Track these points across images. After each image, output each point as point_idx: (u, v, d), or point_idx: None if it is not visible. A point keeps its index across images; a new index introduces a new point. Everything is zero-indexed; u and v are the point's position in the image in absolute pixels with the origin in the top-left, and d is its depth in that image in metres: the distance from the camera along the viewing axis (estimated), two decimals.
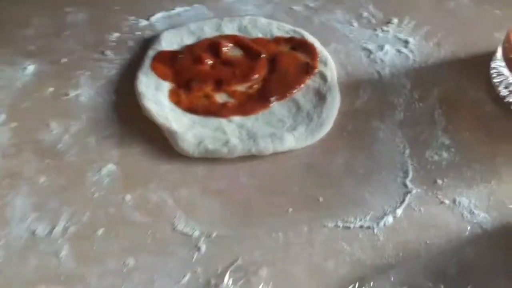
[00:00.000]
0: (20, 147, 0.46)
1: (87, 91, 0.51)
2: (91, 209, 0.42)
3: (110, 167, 0.45)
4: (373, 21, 0.58)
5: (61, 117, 0.49)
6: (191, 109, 0.49)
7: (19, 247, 0.40)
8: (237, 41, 0.55)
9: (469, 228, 0.40)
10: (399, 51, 0.55)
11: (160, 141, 0.47)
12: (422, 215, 0.41)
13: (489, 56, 0.53)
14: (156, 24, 0.58)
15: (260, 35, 0.56)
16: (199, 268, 0.39)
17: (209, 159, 0.45)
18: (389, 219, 0.41)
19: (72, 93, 0.51)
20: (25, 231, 0.41)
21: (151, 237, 0.40)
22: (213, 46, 0.54)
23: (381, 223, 0.41)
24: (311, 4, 0.61)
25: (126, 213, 0.42)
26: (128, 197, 0.43)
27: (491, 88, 0.50)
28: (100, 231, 0.41)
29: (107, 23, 0.58)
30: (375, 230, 0.41)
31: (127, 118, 0.49)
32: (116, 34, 0.57)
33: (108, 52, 0.55)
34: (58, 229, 0.41)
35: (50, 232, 0.41)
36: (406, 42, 0.56)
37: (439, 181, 0.44)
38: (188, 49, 0.54)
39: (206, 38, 0.55)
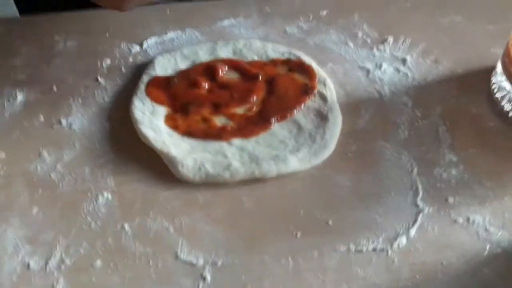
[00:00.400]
0: (10, 178, 0.44)
1: (79, 119, 0.49)
2: (88, 240, 0.40)
3: (107, 196, 0.43)
4: (368, 40, 0.58)
5: (53, 146, 0.47)
6: (189, 133, 0.47)
7: (12, 282, 0.37)
8: (233, 64, 0.54)
9: (487, 247, 0.39)
10: (397, 69, 0.54)
11: (157, 168, 0.45)
12: (436, 235, 0.40)
13: (487, 71, 0.53)
14: (148, 50, 0.57)
15: (255, 58, 0.55)
16: None
17: (211, 184, 0.44)
18: (403, 240, 0.39)
19: (64, 122, 0.49)
20: (18, 265, 0.38)
21: (153, 267, 0.38)
22: (209, 69, 0.53)
23: (395, 245, 0.39)
24: (305, 26, 0.61)
25: (125, 243, 0.39)
26: (127, 226, 0.41)
27: (493, 103, 0.50)
28: (98, 263, 0.38)
29: (98, 50, 0.57)
30: (389, 253, 0.39)
31: (122, 145, 0.47)
32: (108, 61, 0.56)
33: (100, 79, 0.53)
34: (53, 262, 0.38)
35: (45, 265, 0.38)
36: (403, 60, 0.55)
37: (451, 199, 0.42)
38: (184, 73, 0.53)
39: (202, 62, 0.54)
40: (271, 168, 0.44)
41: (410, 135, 0.47)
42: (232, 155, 0.45)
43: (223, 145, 0.46)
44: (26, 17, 0.62)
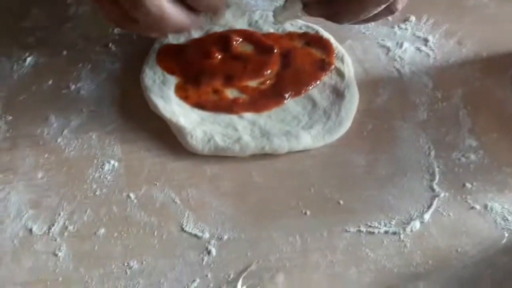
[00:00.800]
0: (16, 141, 0.43)
1: (88, 85, 0.48)
2: (92, 208, 0.39)
3: (113, 163, 0.42)
4: (390, 18, 0.56)
5: (61, 111, 0.46)
6: (199, 105, 0.46)
7: (14, 246, 0.37)
8: (247, 36, 0.52)
9: (505, 235, 0.37)
10: (418, 49, 0.52)
11: (166, 138, 0.44)
12: (451, 220, 0.38)
13: None
14: None
15: (271, 30, 0.53)
16: (210, 273, 0.36)
17: (220, 157, 0.43)
18: (416, 224, 0.38)
19: (73, 87, 0.48)
20: (21, 229, 0.37)
21: (157, 238, 0.37)
22: (222, 40, 0.51)
23: (408, 229, 0.38)
24: None
25: (130, 213, 0.39)
26: (132, 195, 0.40)
27: None
28: (102, 231, 0.38)
29: None
30: (401, 236, 0.38)
31: (131, 113, 0.46)
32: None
33: (111, 45, 0.52)
34: (56, 228, 0.38)
35: (48, 231, 0.37)
36: (425, 40, 0.53)
37: (468, 185, 0.41)
38: (196, 42, 0.51)
39: (215, 32, 0.53)
40: (282, 144, 0.42)
41: (429, 116, 0.46)
42: (243, 129, 0.44)
43: (234, 118, 0.45)
44: None
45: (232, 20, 0.45)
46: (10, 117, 0.45)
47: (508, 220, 0.39)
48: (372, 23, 0.55)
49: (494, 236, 0.38)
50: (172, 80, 0.48)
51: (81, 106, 0.46)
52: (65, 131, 0.44)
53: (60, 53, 0.51)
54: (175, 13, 0.38)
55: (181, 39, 0.52)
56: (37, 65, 0.50)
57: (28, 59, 0.50)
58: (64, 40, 0.52)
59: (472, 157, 0.43)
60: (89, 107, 0.46)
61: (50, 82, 0.48)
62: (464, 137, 0.44)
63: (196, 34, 0.52)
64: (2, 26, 0.54)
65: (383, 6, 0.41)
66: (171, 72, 0.48)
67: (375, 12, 0.41)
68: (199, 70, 0.48)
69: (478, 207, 0.39)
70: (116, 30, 0.54)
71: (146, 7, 0.37)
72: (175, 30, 0.40)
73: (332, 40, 0.52)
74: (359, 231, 0.38)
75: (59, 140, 0.43)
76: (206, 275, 0.36)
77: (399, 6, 0.42)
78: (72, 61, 0.50)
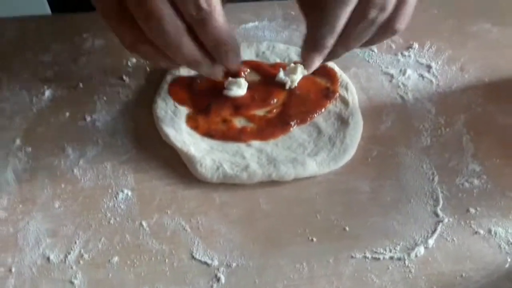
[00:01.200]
0: (35, 172, 0.45)
1: (103, 116, 0.50)
2: (106, 236, 0.40)
3: (126, 192, 0.43)
4: (393, 46, 0.58)
5: (77, 142, 0.48)
6: (209, 134, 0.47)
7: (32, 274, 0.38)
8: (255, 66, 0.54)
9: (508, 260, 0.38)
10: (421, 75, 0.54)
11: (177, 167, 0.45)
12: (455, 245, 0.39)
13: None
14: None
15: (278, 60, 0.55)
16: None
17: (228, 184, 0.44)
18: (421, 249, 0.39)
19: (89, 118, 0.50)
20: (39, 257, 0.39)
21: (168, 265, 0.39)
22: (231, 71, 0.53)
23: (412, 254, 0.39)
24: None
25: (142, 241, 0.40)
26: (145, 223, 0.41)
27: None
28: (115, 259, 0.39)
29: (124, 49, 0.58)
30: (406, 262, 0.38)
31: (144, 143, 0.48)
32: (133, 60, 0.57)
33: (125, 78, 0.54)
34: (73, 256, 0.39)
35: (64, 259, 0.39)
36: (428, 67, 0.54)
37: (472, 210, 0.41)
38: None
39: None
40: (289, 171, 0.44)
41: (433, 142, 0.47)
42: (251, 157, 0.45)
43: (242, 146, 0.46)
44: (57, 15, 0.64)
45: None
46: (30, 148, 0.47)
47: None
48: (376, 50, 0.57)
49: (498, 261, 0.38)
50: (183, 111, 0.49)
51: (97, 137, 0.48)
52: (81, 162, 0.46)
53: (77, 86, 0.53)
54: (191, 44, 0.39)
55: (192, 72, 0.54)
56: (55, 98, 0.52)
57: (47, 92, 0.53)
58: (80, 73, 0.55)
59: (476, 182, 0.43)
60: (104, 138, 0.48)
61: (67, 114, 0.50)
62: (467, 163, 0.45)
63: None
64: (22, 61, 0.57)
65: (369, 30, 0.40)
66: (182, 103, 0.50)
67: (370, 35, 0.41)
68: (209, 101, 0.50)
69: (482, 232, 0.40)
70: (129, 63, 0.56)
71: (164, 29, 0.37)
72: (186, 61, 0.41)
73: (336, 68, 0.53)
74: (365, 257, 0.39)
75: (75, 170, 0.45)
76: None
77: (401, 25, 0.41)
78: (88, 94, 0.53)
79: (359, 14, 0.39)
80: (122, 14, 0.39)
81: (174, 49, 0.39)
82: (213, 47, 0.39)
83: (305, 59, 0.43)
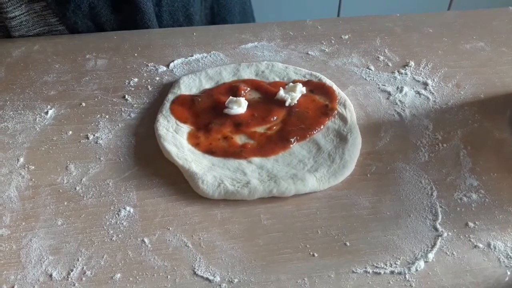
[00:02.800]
0: (38, 189, 0.46)
1: (106, 134, 0.51)
2: (109, 253, 0.40)
3: (129, 209, 0.44)
4: (390, 64, 0.59)
5: (80, 159, 0.48)
6: (210, 151, 0.48)
7: None
8: (255, 85, 0.55)
9: (508, 274, 0.38)
10: (418, 93, 0.55)
11: (179, 183, 0.46)
12: (455, 259, 0.39)
13: (510, 97, 0.53)
14: (174, 70, 0.59)
15: (277, 79, 0.56)
16: None
17: (229, 201, 0.44)
18: (421, 264, 0.39)
19: (91, 136, 0.51)
20: (41, 275, 0.39)
21: (170, 282, 0.39)
22: (231, 89, 0.54)
23: (413, 268, 0.39)
24: (327, 49, 0.62)
25: (144, 257, 0.40)
26: (147, 240, 0.41)
27: None
28: (118, 276, 0.39)
29: (127, 69, 0.59)
30: (407, 276, 0.38)
31: (146, 161, 0.48)
32: (135, 80, 0.58)
33: (128, 97, 0.55)
34: (75, 273, 0.39)
35: (67, 276, 0.39)
36: (425, 84, 0.56)
37: (471, 224, 0.42)
38: (207, 92, 0.54)
39: (225, 82, 0.56)
40: (289, 187, 0.44)
41: (430, 158, 0.47)
42: (251, 173, 0.46)
43: (242, 162, 0.47)
44: (59, 36, 0.65)
45: None
46: (33, 167, 0.48)
47: (511, 258, 0.39)
48: (373, 69, 0.58)
49: (498, 275, 0.38)
50: (185, 129, 0.50)
51: (99, 155, 0.49)
52: (84, 179, 0.46)
53: (80, 105, 0.54)
54: None
55: (193, 90, 0.55)
56: (58, 117, 0.53)
57: (50, 112, 0.54)
58: (83, 93, 0.56)
59: (474, 196, 0.44)
60: (107, 155, 0.49)
61: (70, 132, 0.51)
62: (465, 177, 0.45)
63: (207, 84, 0.56)
64: (27, 81, 0.58)
65: None
66: (184, 121, 0.51)
67: None
68: (210, 119, 0.51)
69: (481, 245, 0.40)
70: (132, 83, 0.57)
71: None
72: None
73: (335, 86, 0.54)
74: (366, 271, 0.39)
75: (77, 188, 0.46)
76: None
77: None
78: (90, 112, 0.54)
79: None
80: None
81: None
82: None
83: None
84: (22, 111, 0.54)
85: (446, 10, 0.71)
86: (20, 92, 0.56)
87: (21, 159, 0.48)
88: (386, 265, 0.39)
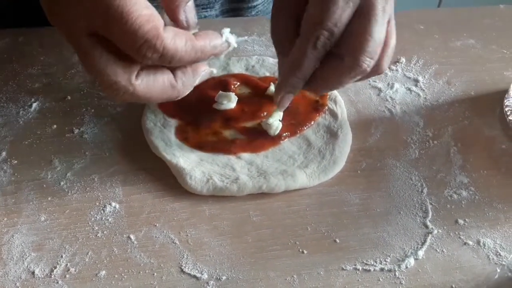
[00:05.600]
0: (21, 185, 0.44)
1: (91, 129, 0.50)
2: (94, 249, 0.40)
3: (114, 205, 0.43)
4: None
5: (64, 154, 0.47)
6: (199, 146, 0.47)
7: None
8: (245, 79, 0.54)
9: (497, 271, 0.38)
10: (409, 89, 0.54)
11: (166, 179, 0.45)
12: (445, 257, 0.39)
13: (500, 94, 0.53)
14: None
15: (267, 74, 0.56)
16: None
17: (218, 197, 0.44)
18: (411, 261, 0.39)
19: (76, 131, 0.50)
20: (23, 272, 0.38)
21: (157, 279, 0.38)
22: (221, 84, 0.53)
23: (403, 266, 0.38)
24: None
25: (130, 254, 0.39)
26: (133, 237, 0.41)
27: (506, 126, 0.49)
28: (103, 273, 0.38)
29: None
30: (397, 273, 0.38)
31: (132, 155, 0.47)
32: None
33: None
34: (58, 270, 0.38)
35: (50, 273, 0.38)
36: (416, 81, 0.55)
37: (461, 221, 0.42)
38: (196, 86, 0.53)
39: (214, 76, 0.55)
40: (279, 183, 0.44)
41: (421, 154, 0.47)
42: (241, 169, 0.45)
43: (232, 158, 0.46)
44: (45, 27, 0.63)
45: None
46: (15, 161, 0.46)
47: (500, 255, 0.39)
48: None
49: (488, 272, 0.38)
50: (173, 123, 0.49)
51: (84, 150, 0.48)
52: (68, 174, 0.45)
53: (65, 98, 0.53)
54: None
55: None
56: (42, 110, 0.52)
57: (34, 105, 0.52)
58: (68, 86, 0.55)
59: (464, 193, 0.44)
60: (92, 150, 0.48)
61: (55, 126, 0.50)
62: (455, 174, 0.45)
63: None
64: (11, 73, 0.56)
65: (358, 77, 0.41)
66: (172, 115, 0.50)
67: (354, 81, 0.41)
68: (198, 113, 0.50)
69: (471, 243, 0.40)
70: None
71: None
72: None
73: None
74: (355, 269, 0.39)
75: (62, 183, 0.45)
76: None
77: (385, 67, 0.42)
78: (76, 106, 0.52)
79: (352, 64, 0.39)
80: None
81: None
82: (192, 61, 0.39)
83: (276, 98, 0.44)
84: (5, 104, 0.52)
85: (436, 7, 0.70)
86: (3, 85, 0.54)
87: (4, 153, 0.47)
88: (376, 262, 0.39)
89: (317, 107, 0.51)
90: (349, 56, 0.39)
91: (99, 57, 0.35)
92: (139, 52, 0.34)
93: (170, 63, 0.36)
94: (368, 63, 0.39)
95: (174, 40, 0.35)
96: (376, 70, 0.41)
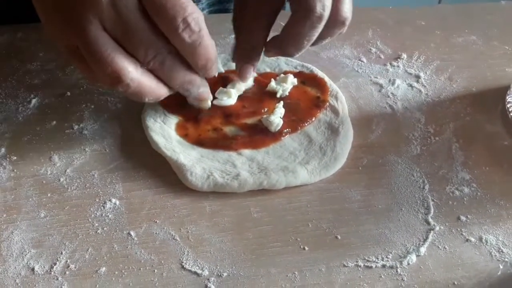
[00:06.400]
0: (20, 181, 0.44)
1: (91, 125, 0.50)
2: (94, 246, 0.39)
3: (114, 202, 0.43)
4: (382, 56, 0.58)
5: (64, 150, 0.47)
6: (199, 142, 0.47)
7: (16, 286, 0.37)
8: None
9: (500, 268, 0.38)
10: (410, 85, 0.54)
11: (166, 175, 0.45)
12: (447, 253, 0.39)
13: (502, 90, 0.52)
14: None
15: (268, 70, 0.55)
16: None
17: (219, 193, 0.43)
18: (413, 258, 0.39)
19: (76, 127, 0.49)
20: (23, 268, 0.38)
21: (157, 276, 0.38)
22: (222, 80, 0.53)
23: (405, 262, 0.38)
24: None
25: (130, 250, 0.39)
26: (133, 233, 0.40)
27: (508, 123, 0.49)
28: (103, 269, 0.38)
29: None
30: (399, 270, 0.38)
31: (133, 152, 0.47)
32: None
33: None
34: (58, 266, 0.38)
35: (50, 270, 0.38)
36: (417, 77, 0.55)
37: (463, 218, 0.41)
38: None
39: None
40: (280, 180, 0.43)
41: (423, 151, 0.47)
42: (241, 165, 0.45)
43: (232, 154, 0.46)
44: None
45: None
46: (15, 157, 0.46)
47: (503, 252, 0.39)
48: (365, 61, 0.57)
49: (490, 269, 0.38)
50: (173, 119, 0.49)
51: (84, 146, 0.47)
52: (68, 170, 0.45)
53: (64, 94, 0.53)
54: (183, 66, 0.40)
55: None
56: (42, 106, 0.51)
57: (33, 101, 0.52)
58: (68, 82, 0.54)
59: (466, 190, 0.44)
60: (92, 146, 0.47)
61: (54, 122, 0.50)
62: (457, 171, 0.45)
63: None
64: (10, 69, 0.56)
65: (319, 27, 0.41)
66: (172, 111, 0.50)
67: (318, 33, 0.42)
68: (199, 109, 0.49)
69: (473, 239, 0.40)
70: None
71: (126, 84, 0.37)
72: (182, 83, 0.41)
73: (326, 78, 0.53)
74: (357, 265, 0.38)
75: (61, 179, 0.44)
76: None
77: (346, 14, 0.42)
78: (75, 102, 0.52)
79: (305, 13, 0.40)
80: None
81: (170, 74, 0.39)
82: (203, 65, 0.40)
83: (239, 70, 0.47)
84: (4, 100, 0.52)
85: (437, 4, 0.70)
86: (2, 81, 0.54)
87: (3, 150, 0.47)
88: (377, 258, 0.39)
89: (318, 103, 0.51)
90: (301, 5, 0.40)
91: (108, 44, 0.36)
92: (178, 25, 0.36)
93: (193, 51, 0.38)
94: (321, 7, 0.39)
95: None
96: (336, 17, 0.42)
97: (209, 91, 0.45)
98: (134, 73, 0.37)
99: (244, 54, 0.46)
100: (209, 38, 0.38)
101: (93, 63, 0.37)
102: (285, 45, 0.44)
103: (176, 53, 0.38)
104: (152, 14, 0.36)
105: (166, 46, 0.37)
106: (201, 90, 0.44)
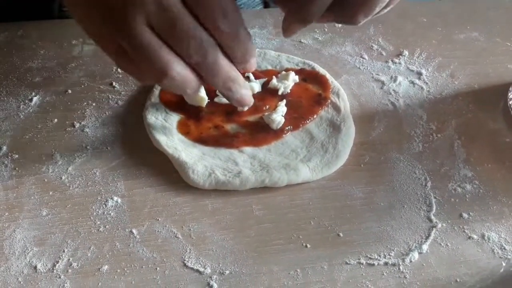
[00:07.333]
0: (22, 179, 0.44)
1: (92, 123, 0.50)
2: (96, 244, 0.39)
3: (116, 199, 0.43)
4: (383, 53, 0.58)
5: (66, 148, 0.47)
6: (201, 140, 0.47)
7: (18, 284, 0.37)
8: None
9: (503, 265, 0.38)
10: (412, 82, 0.54)
11: (168, 173, 0.45)
12: (449, 251, 0.39)
13: (504, 87, 0.52)
14: None
15: (269, 67, 0.55)
16: None
17: (220, 191, 0.43)
18: (415, 255, 0.38)
19: (77, 125, 0.49)
20: (25, 266, 0.38)
21: (159, 274, 0.38)
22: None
23: (407, 260, 0.38)
24: (320, 38, 0.61)
25: (133, 248, 0.39)
26: (135, 231, 0.40)
27: (510, 120, 0.49)
28: (105, 267, 0.38)
29: None
30: (401, 267, 0.38)
31: (134, 149, 0.47)
32: None
33: (115, 84, 0.54)
34: (61, 265, 0.38)
35: (52, 268, 0.38)
36: (419, 74, 0.55)
37: (465, 215, 0.41)
38: None
39: None
40: (282, 177, 0.43)
41: (425, 148, 0.47)
42: (243, 163, 0.45)
43: (234, 152, 0.46)
44: (45, 21, 0.63)
45: None
46: (16, 156, 0.46)
47: (505, 249, 0.39)
48: (367, 58, 0.57)
49: (492, 266, 0.38)
50: (174, 117, 0.49)
51: (86, 144, 0.47)
52: (70, 168, 0.45)
53: (65, 92, 0.53)
54: (226, 60, 0.38)
55: None
56: (43, 104, 0.51)
57: (34, 99, 0.52)
58: (69, 79, 0.54)
59: (468, 187, 0.43)
60: (93, 144, 0.47)
61: (55, 120, 0.50)
62: (459, 168, 0.45)
63: None
64: (11, 67, 0.56)
65: None
66: (173, 109, 0.50)
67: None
68: (200, 107, 0.49)
69: (475, 237, 0.40)
70: (119, 69, 0.56)
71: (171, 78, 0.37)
72: (224, 79, 0.39)
73: (328, 75, 0.53)
74: (359, 263, 0.38)
75: (63, 177, 0.44)
76: None
77: None
78: (77, 100, 0.52)
79: None
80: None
81: (213, 67, 0.38)
82: (242, 56, 0.39)
83: (287, 28, 0.41)
84: (5, 98, 0.52)
85: (439, 0, 0.70)
86: (3, 79, 0.54)
87: (4, 148, 0.47)
88: (380, 256, 0.39)
89: (319, 100, 0.50)
90: None
91: (153, 40, 0.36)
92: (218, 16, 0.36)
93: (232, 42, 0.37)
94: None
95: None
96: None
97: (251, 95, 0.43)
98: (180, 67, 0.37)
99: (297, 11, 0.39)
100: (247, 31, 0.38)
101: (141, 61, 0.36)
102: (355, 10, 0.38)
103: (218, 48, 0.37)
104: (192, 6, 0.36)
105: (209, 40, 0.37)
106: (244, 92, 0.41)
